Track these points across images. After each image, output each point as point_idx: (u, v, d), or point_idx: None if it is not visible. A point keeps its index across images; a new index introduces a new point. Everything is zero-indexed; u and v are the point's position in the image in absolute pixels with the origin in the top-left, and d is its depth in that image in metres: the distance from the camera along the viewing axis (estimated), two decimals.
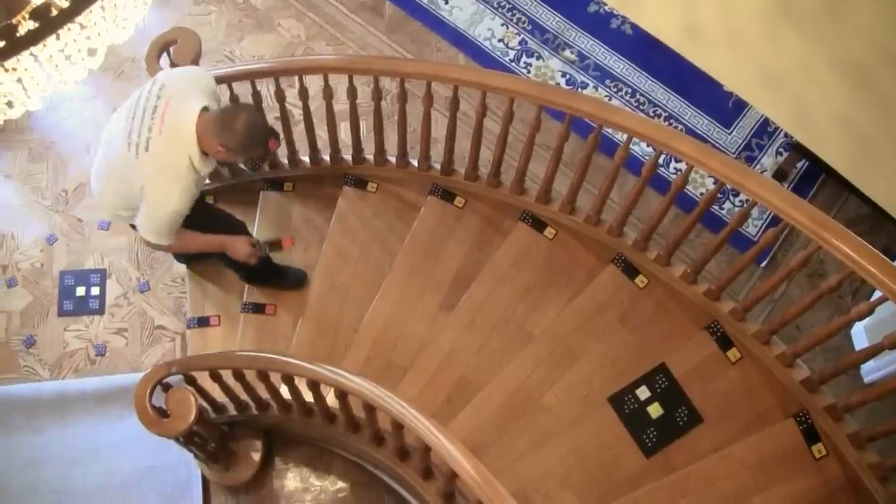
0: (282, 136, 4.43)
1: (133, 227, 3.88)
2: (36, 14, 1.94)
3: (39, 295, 4.88)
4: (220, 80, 4.09)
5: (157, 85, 3.59)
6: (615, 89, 5.37)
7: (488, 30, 5.54)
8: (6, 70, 2.05)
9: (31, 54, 2.09)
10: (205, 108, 3.56)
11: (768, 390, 3.91)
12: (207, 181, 4.62)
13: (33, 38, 1.99)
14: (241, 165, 4.63)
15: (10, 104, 2.19)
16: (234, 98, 4.27)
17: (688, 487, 3.76)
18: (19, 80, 2.11)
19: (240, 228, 4.28)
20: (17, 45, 1.98)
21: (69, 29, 2.05)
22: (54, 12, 1.95)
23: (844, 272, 3.27)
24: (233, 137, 3.49)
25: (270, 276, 4.55)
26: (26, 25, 1.93)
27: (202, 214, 3.90)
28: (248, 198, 4.74)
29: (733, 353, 3.98)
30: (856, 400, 3.59)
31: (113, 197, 3.81)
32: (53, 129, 5.26)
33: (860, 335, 4.62)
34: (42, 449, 4.56)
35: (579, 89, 5.37)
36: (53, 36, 2.03)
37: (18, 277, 4.91)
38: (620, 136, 3.66)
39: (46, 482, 4.49)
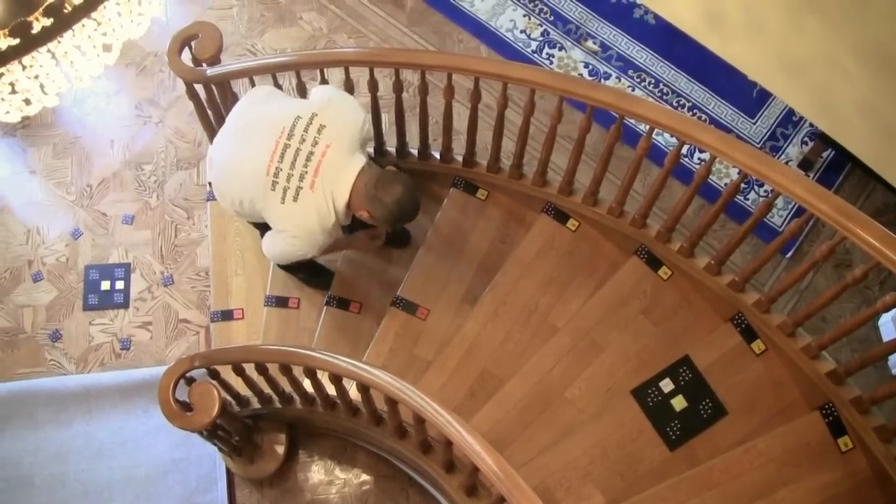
0: None
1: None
2: (50, 10, 1.94)
3: (65, 289, 4.92)
4: (242, 73, 4.10)
5: (315, 123, 3.47)
6: (638, 79, 5.34)
7: (510, 21, 5.52)
8: (23, 67, 2.06)
9: (49, 51, 2.10)
10: (362, 168, 3.48)
11: (793, 382, 3.88)
12: None
13: (48, 34, 2.00)
14: None
15: (27, 101, 2.20)
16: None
17: (712, 481, 3.73)
18: (36, 77, 2.12)
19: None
20: (33, 42, 1.99)
21: (84, 25, 2.06)
22: (68, 8, 1.96)
23: (870, 263, 3.23)
24: (382, 210, 3.45)
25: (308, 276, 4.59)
26: (41, 22, 1.94)
27: None
28: None
29: (758, 345, 3.94)
30: (883, 392, 3.54)
31: (227, 203, 3.78)
32: (77, 124, 5.28)
33: (888, 326, 4.57)
34: (69, 442, 4.60)
35: (602, 80, 5.34)
36: (69, 32, 2.04)
37: (44, 272, 4.95)
38: (644, 127, 3.64)
39: (73, 475, 4.53)
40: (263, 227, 3.76)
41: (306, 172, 3.42)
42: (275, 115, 3.56)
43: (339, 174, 3.44)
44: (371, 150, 4.54)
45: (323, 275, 4.53)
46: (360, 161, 3.48)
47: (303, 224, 3.50)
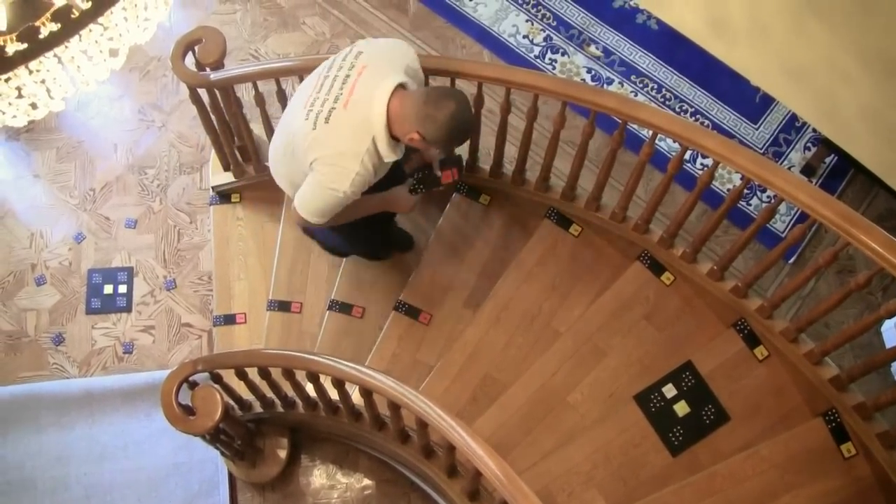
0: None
1: None
2: (57, 15, 1.95)
3: (68, 293, 4.92)
4: (245, 78, 4.10)
5: (353, 51, 3.29)
6: (641, 85, 5.34)
7: (513, 26, 5.52)
8: (30, 71, 2.07)
9: (55, 55, 2.10)
10: (400, 86, 3.19)
11: (796, 388, 3.88)
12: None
13: (55, 39, 2.00)
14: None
15: (34, 105, 2.21)
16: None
17: (714, 486, 3.73)
18: (42, 82, 2.12)
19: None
20: (40, 46, 1.99)
21: (91, 30, 2.06)
22: (75, 14, 1.96)
23: (874, 269, 3.23)
24: (435, 128, 3.11)
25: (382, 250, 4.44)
26: (48, 27, 1.95)
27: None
28: (272, 195, 4.74)
29: (760, 351, 3.95)
30: (886, 399, 3.54)
31: (281, 178, 3.64)
32: (81, 128, 5.29)
33: (891, 332, 4.56)
34: (71, 445, 4.61)
35: (605, 85, 5.34)
36: (75, 37, 2.04)
37: (47, 276, 4.95)
38: (647, 132, 3.64)
39: (76, 478, 4.54)
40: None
41: (341, 94, 3.17)
42: (312, 76, 3.42)
43: (374, 90, 3.14)
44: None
45: (380, 243, 4.41)
46: (399, 78, 3.19)
47: (335, 146, 3.21)
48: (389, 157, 3.28)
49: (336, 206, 3.34)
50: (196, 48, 4.04)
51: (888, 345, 4.56)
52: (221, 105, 4.22)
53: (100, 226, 5.06)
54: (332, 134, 3.19)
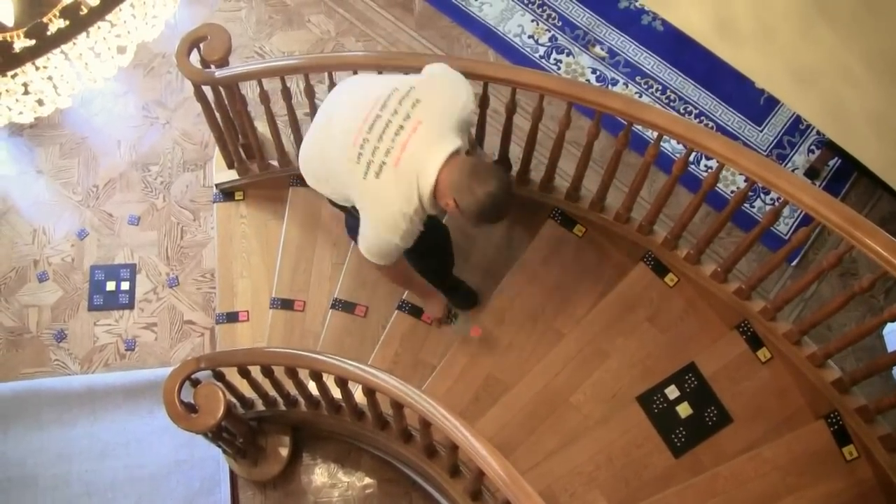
0: None
1: (331, 202, 3.68)
2: (66, 12, 1.95)
3: (70, 289, 4.92)
4: (250, 76, 4.09)
5: (411, 96, 3.19)
6: (646, 86, 5.34)
7: (518, 26, 5.52)
8: (37, 68, 2.07)
9: (62, 52, 2.10)
10: (455, 152, 3.16)
11: (799, 391, 3.88)
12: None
13: (63, 36, 2.00)
14: None
15: (40, 102, 2.20)
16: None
17: (717, 488, 3.73)
18: (49, 78, 2.12)
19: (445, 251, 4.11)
20: (48, 43, 1.99)
21: (99, 27, 2.06)
22: (84, 10, 1.96)
23: (877, 272, 3.22)
24: (471, 201, 3.09)
25: (446, 290, 4.28)
26: (56, 24, 1.94)
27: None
28: (276, 193, 4.75)
29: (763, 353, 3.94)
30: (888, 402, 3.54)
31: (319, 185, 3.61)
32: (85, 124, 5.29)
33: (893, 336, 4.56)
34: (73, 442, 4.61)
35: (609, 86, 5.34)
36: (83, 34, 2.04)
37: (49, 272, 4.95)
38: (651, 134, 3.64)
39: (77, 475, 4.53)
40: (350, 215, 3.60)
41: (392, 147, 3.12)
42: (373, 86, 3.33)
43: (428, 154, 3.12)
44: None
45: (460, 293, 4.33)
46: (453, 143, 3.16)
47: (382, 206, 3.22)
48: (432, 210, 3.31)
49: (394, 253, 3.37)
50: (201, 45, 4.04)
51: (890, 348, 4.56)
52: (226, 102, 4.23)
53: (103, 222, 5.06)
54: (382, 191, 3.20)
